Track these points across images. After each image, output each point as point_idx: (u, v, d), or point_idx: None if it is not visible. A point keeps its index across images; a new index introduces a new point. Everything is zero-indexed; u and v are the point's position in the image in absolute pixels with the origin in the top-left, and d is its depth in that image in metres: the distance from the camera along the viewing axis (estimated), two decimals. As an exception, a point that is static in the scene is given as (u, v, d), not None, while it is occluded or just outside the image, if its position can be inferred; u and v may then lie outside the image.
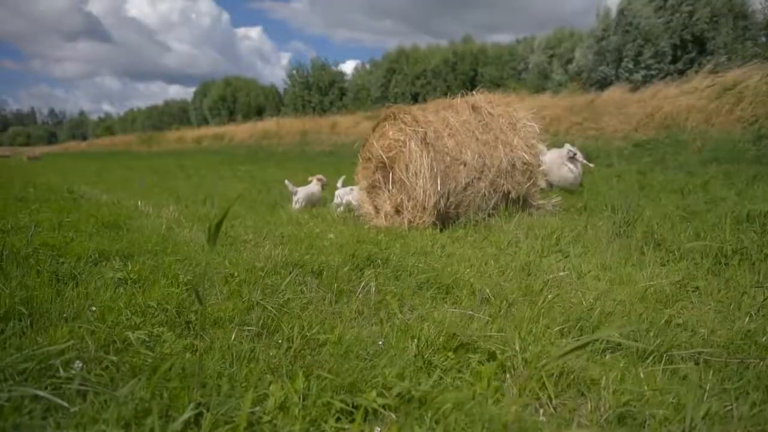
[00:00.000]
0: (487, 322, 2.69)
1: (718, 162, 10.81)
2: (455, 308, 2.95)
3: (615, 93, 18.04)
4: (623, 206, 6.88)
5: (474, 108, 7.11)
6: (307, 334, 2.44)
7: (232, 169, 20.12)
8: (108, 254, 4.06)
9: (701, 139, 12.05)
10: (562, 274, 4.10)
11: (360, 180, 7.54)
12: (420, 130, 6.44)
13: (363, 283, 3.35)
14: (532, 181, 7.25)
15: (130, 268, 3.42)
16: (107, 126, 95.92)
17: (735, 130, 12.09)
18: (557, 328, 2.71)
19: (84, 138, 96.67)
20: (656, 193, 8.64)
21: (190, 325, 2.49)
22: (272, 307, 2.68)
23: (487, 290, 3.32)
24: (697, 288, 3.74)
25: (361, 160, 7.48)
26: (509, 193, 7.03)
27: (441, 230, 6.46)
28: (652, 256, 4.71)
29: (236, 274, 3.53)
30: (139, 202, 7.63)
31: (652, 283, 3.74)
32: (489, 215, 6.90)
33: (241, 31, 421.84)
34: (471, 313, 2.87)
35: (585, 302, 3.26)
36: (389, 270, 3.90)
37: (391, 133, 6.88)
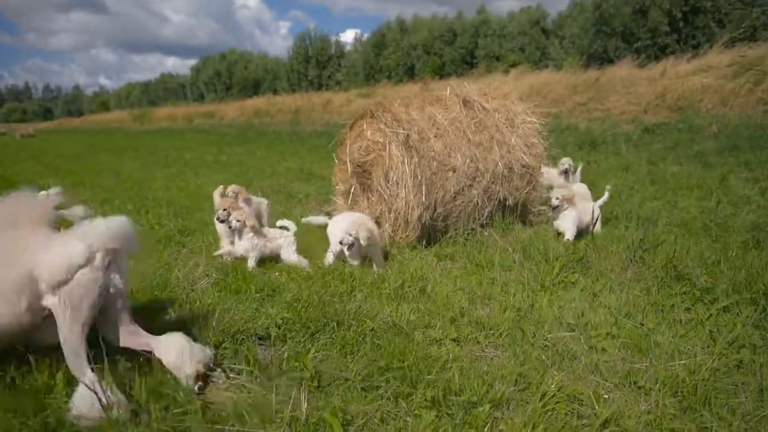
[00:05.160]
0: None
1: (738, 150, 9.84)
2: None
3: (621, 69, 16.84)
4: (638, 222, 6.03)
5: (465, 102, 6.16)
6: None
7: (220, 151, 19.20)
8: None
9: (718, 124, 11.05)
10: (566, 335, 3.26)
11: (336, 183, 6.66)
12: (401, 132, 5.52)
13: (298, 375, 2.51)
14: (532, 185, 6.34)
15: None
16: (102, 101, 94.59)
17: (755, 113, 11.07)
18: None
19: (80, 113, 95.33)
20: (671, 191, 7.75)
21: None
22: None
23: (467, 387, 2.48)
24: (741, 363, 2.90)
25: (337, 161, 6.57)
26: (506, 200, 6.15)
27: (426, 245, 5.62)
28: (676, 297, 3.87)
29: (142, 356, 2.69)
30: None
31: (683, 359, 2.89)
32: (482, 225, 6.04)
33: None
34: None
35: (599, 406, 2.43)
36: (344, 335, 3.06)
37: (369, 133, 5.96)
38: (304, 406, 2.26)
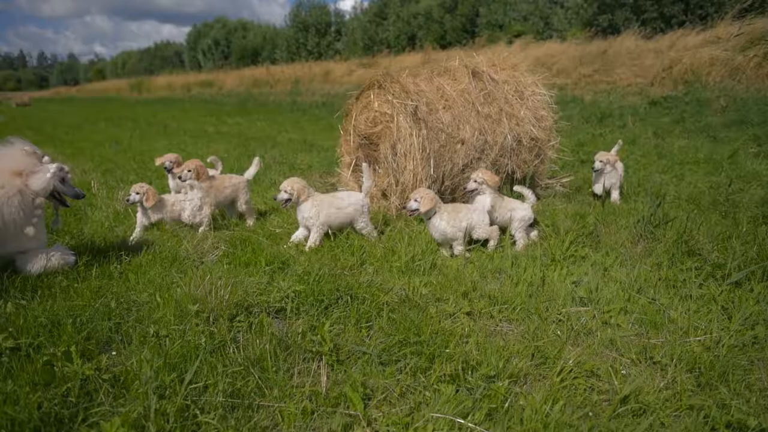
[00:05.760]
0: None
1: (746, 124, 9.74)
2: (438, 410, 2.11)
3: (628, 40, 16.54)
4: (646, 196, 5.98)
5: (474, 74, 6.04)
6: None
7: (220, 121, 19.00)
8: None
9: (726, 97, 10.90)
10: (580, 310, 3.25)
11: (341, 155, 6.58)
12: (410, 103, 5.42)
13: (316, 349, 2.50)
14: (540, 158, 6.28)
15: None
16: (98, 69, 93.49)
17: (764, 87, 10.92)
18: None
19: (76, 82, 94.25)
20: (678, 165, 7.68)
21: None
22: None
23: (484, 362, 2.47)
24: (756, 339, 2.89)
25: (342, 132, 6.48)
26: (513, 173, 6.09)
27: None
28: (688, 272, 3.85)
29: (157, 330, 2.69)
30: (93, 183, 6.71)
31: (698, 335, 2.88)
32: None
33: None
34: (458, 419, 2.04)
35: (617, 381, 2.43)
36: (358, 308, 3.05)
37: (376, 104, 5.85)
38: (324, 379, 2.26)
